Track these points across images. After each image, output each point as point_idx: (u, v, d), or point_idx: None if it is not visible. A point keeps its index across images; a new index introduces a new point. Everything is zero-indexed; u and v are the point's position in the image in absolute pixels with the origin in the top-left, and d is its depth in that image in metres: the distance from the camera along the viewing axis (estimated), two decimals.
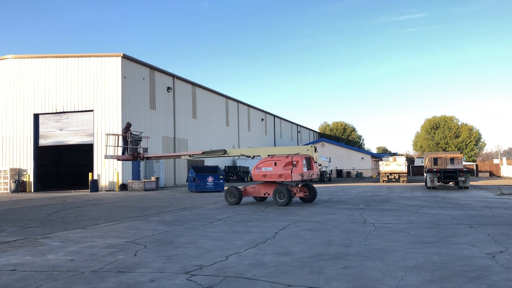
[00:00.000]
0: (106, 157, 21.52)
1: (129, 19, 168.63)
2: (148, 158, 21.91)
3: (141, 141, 21.75)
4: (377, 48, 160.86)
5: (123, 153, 21.22)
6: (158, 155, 24.94)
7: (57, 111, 33.89)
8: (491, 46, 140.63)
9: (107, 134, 22.50)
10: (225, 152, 19.17)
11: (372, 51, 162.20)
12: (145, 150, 22.33)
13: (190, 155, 20.85)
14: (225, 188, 20.68)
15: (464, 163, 33.11)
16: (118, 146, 21.61)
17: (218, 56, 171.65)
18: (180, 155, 22.00)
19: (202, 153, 19.90)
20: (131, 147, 20.84)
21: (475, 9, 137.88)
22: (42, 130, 34.67)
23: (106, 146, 21.34)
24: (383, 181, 39.88)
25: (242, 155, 19.38)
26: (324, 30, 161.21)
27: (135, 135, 21.44)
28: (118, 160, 24.05)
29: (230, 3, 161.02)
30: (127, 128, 21.39)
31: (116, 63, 32.66)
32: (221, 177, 28.46)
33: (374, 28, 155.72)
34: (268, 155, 17.74)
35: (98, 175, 32.26)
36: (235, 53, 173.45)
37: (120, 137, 21.61)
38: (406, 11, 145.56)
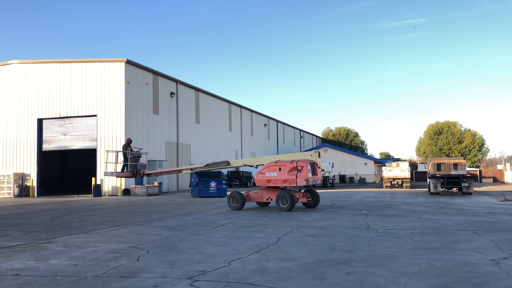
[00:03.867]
0: (106, 174, 21.48)
1: (131, 25, 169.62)
2: (148, 174, 21.73)
3: (140, 158, 21.64)
4: (378, 53, 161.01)
5: (122, 170, 21.12)
6: (159, 171, 24.57)
7: (61, 116, 34.03)
8: (493, 51, 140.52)
9: (106, 151, 22.49)
10: (228, 163, 19.19)
11: (373, 56, 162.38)
12: (144, 166, 22.17)
13: (192, 169, 20.85)
14: (228, 193, 20.67)
15: (467, 168, 32.98)
16: (117, 162, 21.44)
17: (221, 62, 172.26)
18: (182, 170, 21.84)
19: (205, 166, 19.79)
20: (131, 163, 20.69)
21: (475, 14, 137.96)
22: (45, 135, 34.80)
23: (106, 163, 21.32)
24: (386, 186, 39.78)
25: (245, 165, 19.39)
26: (325, 35, 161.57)
27: (135, 151, 21.36)
28: (117, 177, 24.00)
29: (229, 8, 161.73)
30: (127, 144, 21.23)
31: (119, 68, 32.81)
32: (223, 182, 28.47)
33: (374, 33, 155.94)
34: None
35: (101, 180, 32.31)
36: (238, 59, 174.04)
37: (120, 154, 21.51)
38: (406, 16, 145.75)
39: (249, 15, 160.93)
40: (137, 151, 21.62)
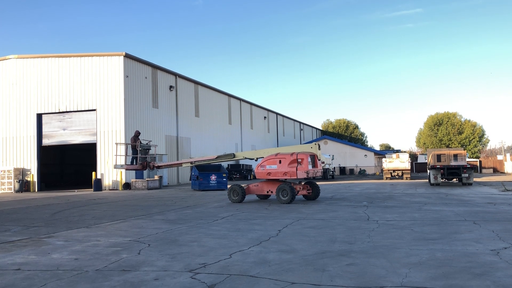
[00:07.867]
0: (116, 167, 21.32)
1: (130, 19, 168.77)
2: (159, 167, 21.58)
3: (149, 150, 21.54)
4: (376, 44, 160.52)
5: (132, 162, 21.06)
6: (169, 163, 24.35)
7: (60, 110, 33.99)
8: (492, 42, 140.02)
9: (116, 143, 22.39)
10: (234, 155, 19.40)
11: (371, 48, 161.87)
12: (153, 158, 21.96)
13: (196, 161, 20.85)
14: (228, 186, 20.70)
15: (467, 159, 32.96)
16: (127, 155, 21.22)
17: (220, 55, 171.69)
18: (192, 161, 21.71)
19: (216, 158, 19.91)
20: (141, 156, 20.60)
21: (471, 4, 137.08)
22: (45, 129, 34.79)
23: (116, 155, 21.20)
24: (386, 178, 39.84)
25: (246, 158, 19.41)
26: (322, 27, 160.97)
27: (144, 144, 21.27)
28: (127, 170, 23.87)
29: (223, 1, 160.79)
30: (136, 136, 21.10)
31: (118, 62, 32.71)
32: (224, 175, 28.48)
33: (371, 24, 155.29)
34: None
35: (102, 174, 32.35)
36: (237, 52, 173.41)
37: (129, 146, 21.45)
38: (402, 7, 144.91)
39: (245, 8, 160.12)
40: (146, 144, 21.53)
